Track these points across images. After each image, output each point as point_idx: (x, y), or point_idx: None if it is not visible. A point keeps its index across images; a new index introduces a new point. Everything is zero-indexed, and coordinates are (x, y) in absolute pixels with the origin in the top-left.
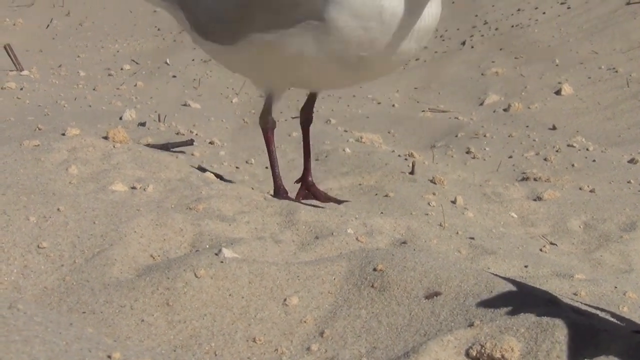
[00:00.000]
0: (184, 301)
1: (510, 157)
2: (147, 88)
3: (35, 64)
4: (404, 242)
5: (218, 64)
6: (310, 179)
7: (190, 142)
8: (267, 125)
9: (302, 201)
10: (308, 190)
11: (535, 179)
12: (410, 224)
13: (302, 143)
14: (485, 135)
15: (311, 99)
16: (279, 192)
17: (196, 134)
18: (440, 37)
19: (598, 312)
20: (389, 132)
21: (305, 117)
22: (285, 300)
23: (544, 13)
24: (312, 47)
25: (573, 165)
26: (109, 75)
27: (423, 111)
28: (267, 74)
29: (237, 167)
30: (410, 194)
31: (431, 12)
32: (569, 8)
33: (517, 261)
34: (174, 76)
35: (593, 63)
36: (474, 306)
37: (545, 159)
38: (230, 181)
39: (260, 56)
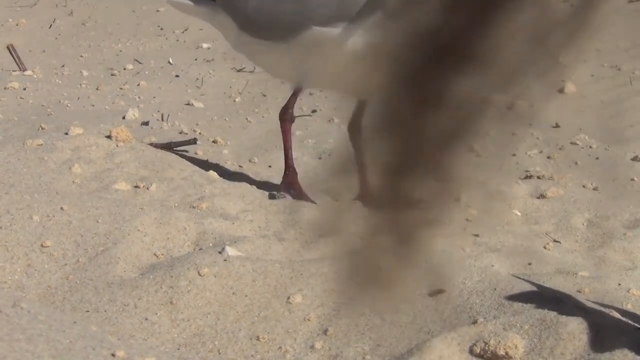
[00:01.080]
0: (187, 299)
1: (514, 155)
2: (150, 87)
3: (38, 63)
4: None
5: (262, 68)
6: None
7: (193, 141)
8: (286, 117)
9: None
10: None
11: (538, 177)
12: None
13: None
14: (488, 134)
15: (359, 110)
16: (289, 172)
17: (199, 133)
18: None
19: (602, 309)
20: None
21: (355, 129)
22: (288, 298)
23: None
24: (379, 39)
25: (576, 163)
26: (112, 74)
27: None
28: (319, 75)
29: (240, 166)
30: None
31: None
32: (571, 6)
33: (520, 258)
34: (177, 75)
35: (596, 61)
36: (477, 303)
37: (548, 157)
38: (233, 180)
39: (324, 53)
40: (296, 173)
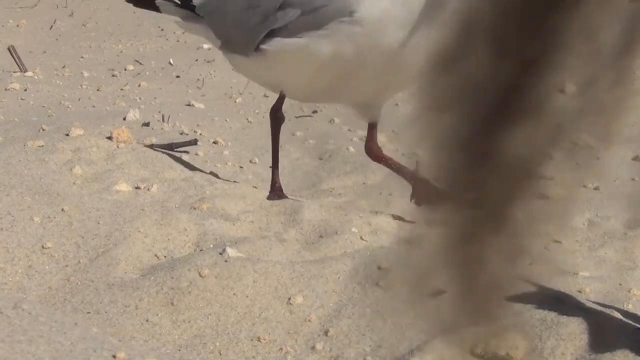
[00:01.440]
0: (188, 301)
1: None
2: (150, 88)
3: (38, 64)
4: (409, 241)
5: (250, 79)
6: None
7: (194, 142)
8: (275, 116)
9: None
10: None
11: (539, 177)
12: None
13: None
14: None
15: (372, 130)
16: (274, 188)
17: (200, 134)
18: None
19: (602, 309)
20: (392, 132)
21: (374, 151)
22: (289, 299)
23: None
24: (347, 47)
25: (577, 163)
26: (113, 75)
27: None
28: (298, 83)
29: (241, 167)
30: None
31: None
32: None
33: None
34: (178, 76)
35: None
36: None
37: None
38: (234, 181)
39: (292, 64)
40: (281, 189)
